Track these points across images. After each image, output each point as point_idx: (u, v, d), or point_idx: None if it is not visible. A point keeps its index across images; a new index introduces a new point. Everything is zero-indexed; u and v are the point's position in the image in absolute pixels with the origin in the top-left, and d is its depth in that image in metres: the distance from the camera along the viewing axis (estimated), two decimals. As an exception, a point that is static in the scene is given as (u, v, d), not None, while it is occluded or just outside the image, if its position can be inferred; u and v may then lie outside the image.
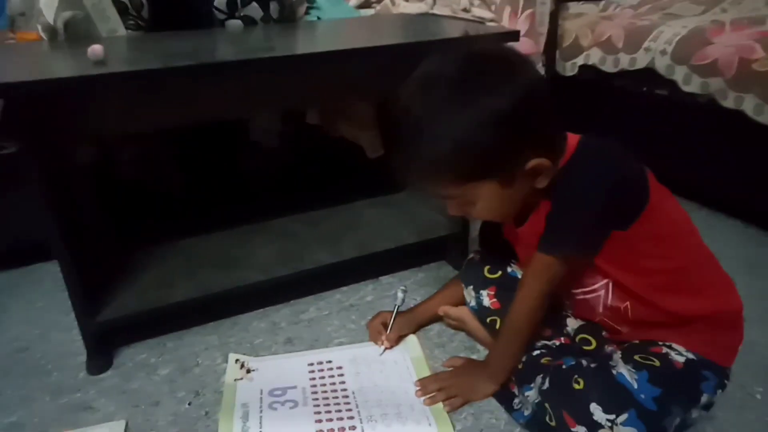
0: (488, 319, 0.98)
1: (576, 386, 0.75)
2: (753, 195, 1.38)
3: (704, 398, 0.77)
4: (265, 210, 1.33)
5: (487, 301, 0.98)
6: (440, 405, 0.89)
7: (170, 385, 0.97)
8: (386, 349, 1.02)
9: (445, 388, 0.91)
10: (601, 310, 0.84)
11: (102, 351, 1.02)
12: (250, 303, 1.16)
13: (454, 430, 0.85)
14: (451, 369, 0.98)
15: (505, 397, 0.89)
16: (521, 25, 1.65)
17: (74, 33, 1.12)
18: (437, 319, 1.09)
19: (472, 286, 1.00)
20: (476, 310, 1.00)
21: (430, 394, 0.91)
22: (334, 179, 1.58)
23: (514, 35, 1.10)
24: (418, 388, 0.93)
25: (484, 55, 0.75)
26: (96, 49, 0.84)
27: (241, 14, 1.29)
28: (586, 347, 0.89)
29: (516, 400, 0.87)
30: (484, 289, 0.98)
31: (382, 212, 1.34)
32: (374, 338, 1.04)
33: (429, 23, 1.41)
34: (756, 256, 1.30)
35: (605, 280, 0.81)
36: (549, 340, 0.92)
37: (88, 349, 0.99)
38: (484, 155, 0.71)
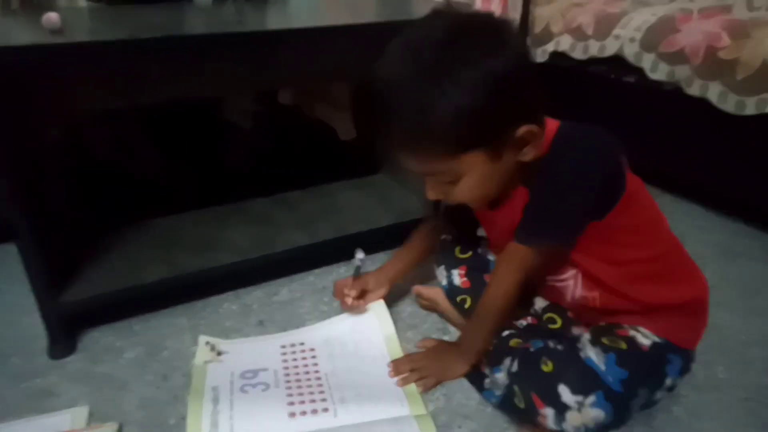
0: (458, 298, 0.99)
1: (544, 368, 0.76)
2: (719, 181, 1.42)
3: (668, 381, 0.79)
4: (237, 191, 1.31)
5: (458, 280, 0.99)
6: (413, 386, 0.89)
7: (137, 369, 0.94)
8: (354, 301, 0.99)
9: (417, 368, 0.91)
10: (569, 299, 0.85)
11: (65, 334, 0.98)
12: (221, 285, 1.13)
13: (426, 410, 0.85)
14: (423, 350, 0.98)
15: (475, 378, 0.90)
16: (493, 10, 1.65)
17: (29, 1, 1.07)
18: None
19: (443, 266, 1.01)
20: (447, 289, 1.01)
21: (403, 375, 0.91)
22: (308, 160, 1.55)
23: (490, 17, 1.09)
24: (390, 369, 0.92)
25: (470, 19, 0.72)
26: (51, 16, 0.79)
27: (210, -12, 1.25)
28: (552, 326, 0.90)
29: (486, 381, 0.88)
30: (455, 268, 0.99)
31: (356, 194, 1.33)
32: (339, 297, 1.02)
33: (405, 3, 1.39)
34: (723, 241, 1.34)
35: (574, 271, 0.81)
36: (517, 320, 0.93)
37: (50, 332, 0.96)
38: (479, 121, 0.67)
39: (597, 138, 0.75)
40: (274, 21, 1.20)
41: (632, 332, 0.79)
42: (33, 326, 1.02)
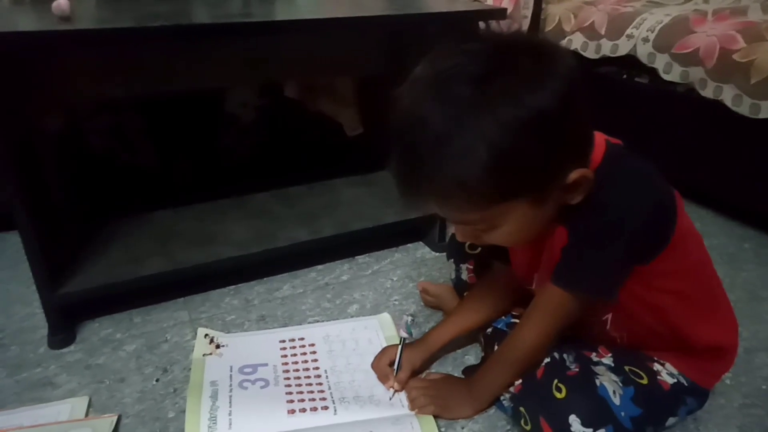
0: (465, 294, 0.97)
1: (557, 394, 0.71)
2: (729, 186, 1.40)
3: (672, 420, 0.77)
4: (240, 185, 1.30)
5: (465, 275, 0.97)
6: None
7: (137, 361, 0.93)
8: (396, 392, 0.87)
9: (418, 397, 0.84)
10: (593, 333, 0.80)
11: (65, 325, 0.97)
12: (222, 279, 1.13)
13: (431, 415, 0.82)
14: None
15: None
16: (505, 7, 1.63)
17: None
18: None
19: (453, 260, 1.00)
20: (455, 283, 1.00)
21: (402, 387, 0.86)
22: (312, 156, 1.54)
23: (501, 13, 1.08)
24: (390, 378, 0.86)
25: (510, 45, 0.60)
26: (61, 3, 0.79)
27: (219, -21, 1.24)
28: None
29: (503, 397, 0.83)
30: (463, 263, 0.97)
31: (360, 191, 1.32)
32: (382, 381, 0.89)
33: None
34: (731, 246, 1.32)
35: (608, 315, 0.77)
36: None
37: (50, 323, 0.95)
38: (524, 168, 0.58)
39: (648, 175, 0.67)
40: (283, 11, 1.19)
41: (657, 366, 0.77)
42: (33, 316, 1.02)
